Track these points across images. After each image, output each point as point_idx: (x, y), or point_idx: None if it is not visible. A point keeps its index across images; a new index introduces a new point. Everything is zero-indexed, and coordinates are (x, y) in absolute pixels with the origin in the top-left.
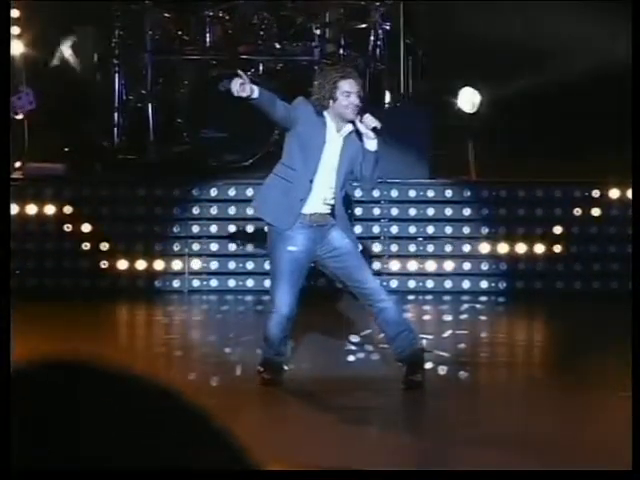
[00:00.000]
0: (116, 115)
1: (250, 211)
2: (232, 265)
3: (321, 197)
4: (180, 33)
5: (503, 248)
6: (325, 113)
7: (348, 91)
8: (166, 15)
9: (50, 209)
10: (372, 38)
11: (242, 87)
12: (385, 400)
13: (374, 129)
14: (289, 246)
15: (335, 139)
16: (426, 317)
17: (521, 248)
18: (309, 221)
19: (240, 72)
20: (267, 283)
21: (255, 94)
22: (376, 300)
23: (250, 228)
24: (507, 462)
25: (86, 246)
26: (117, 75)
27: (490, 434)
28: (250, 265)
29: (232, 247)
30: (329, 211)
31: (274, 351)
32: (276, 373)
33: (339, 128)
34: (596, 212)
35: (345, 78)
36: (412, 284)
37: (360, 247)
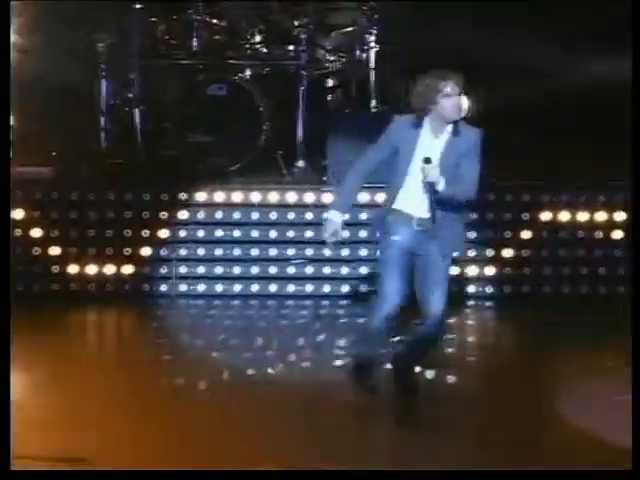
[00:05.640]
0: (103, 119)
1: (236, 215)
2: (219, 270)
3: (417, 202)
4: (167, 37)
5: (490, 252)
6: (426, 119)
7: (449, 93)
8: (153, 19)
9: (37, 213)
10: (359, 41)
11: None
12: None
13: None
14: (392, 236)
15: (430, 144)
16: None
17: (508, 252)
18: (410, 221)
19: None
20: (254, 288)
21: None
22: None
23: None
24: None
25: (73, 251)
26: (104, 79)
27: (485, 435)
28: (237, 270)
29: (219, 252)
30: (429, 216)
31: (368, 355)
32: (369, 380)
33: (438, 132)
34: (584, 216)
35: (445, 80)
36: None
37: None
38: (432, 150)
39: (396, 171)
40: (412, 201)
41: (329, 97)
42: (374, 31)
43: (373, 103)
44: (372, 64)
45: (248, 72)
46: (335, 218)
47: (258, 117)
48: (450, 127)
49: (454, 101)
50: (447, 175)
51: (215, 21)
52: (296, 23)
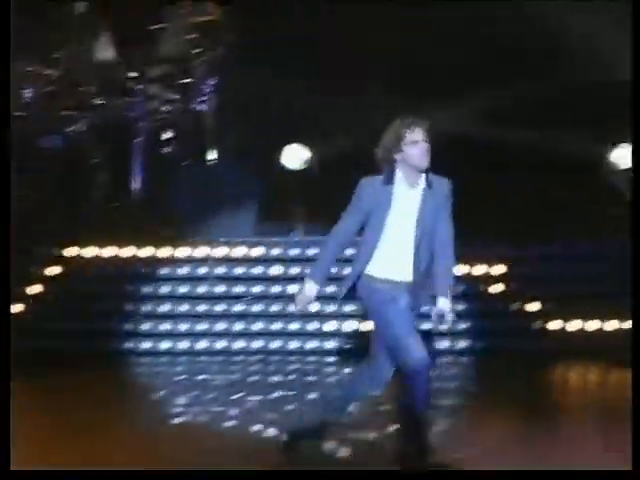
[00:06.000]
0: None
1: (71, 270)
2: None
3: (393, 265)
4: None
5: None
6: (397, 170)
7: (415, 140)
8: None
9: None
10: (198, 93)
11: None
12: None
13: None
14: (385, 297)
15: (406, 196)
16: None
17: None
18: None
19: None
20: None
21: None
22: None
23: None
24: None
25: None
26: None
27: None
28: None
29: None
30: (404, 276)
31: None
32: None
33: (414, 183)
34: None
35: (409, 127)
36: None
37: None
38: (409, 202)
39: (369, 230)
40: (389, 265)
41: (166, 149)
42: (211, 82)
43: (211, 154)
44: (209, 114)
45: (83, 123)
46: (310, 290)
47: (93, 170)
48: (423, 177)
49: (420, 148)
50: (426, 229)
51: (49, 71)
52: (132, 74)
